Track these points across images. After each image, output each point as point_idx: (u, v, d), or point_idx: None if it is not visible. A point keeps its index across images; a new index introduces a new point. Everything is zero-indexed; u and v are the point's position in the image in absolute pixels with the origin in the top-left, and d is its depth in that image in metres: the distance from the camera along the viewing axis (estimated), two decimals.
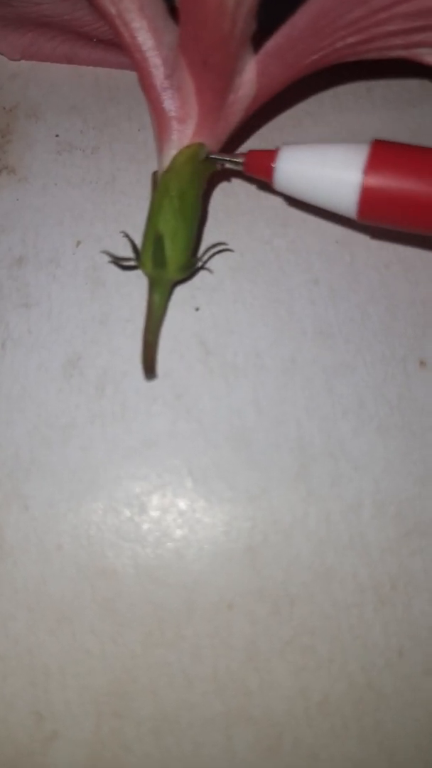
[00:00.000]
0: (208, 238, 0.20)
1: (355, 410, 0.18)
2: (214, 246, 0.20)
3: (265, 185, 0.19)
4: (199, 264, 0.19)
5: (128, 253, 0.19)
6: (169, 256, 0.18)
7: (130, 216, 0.20)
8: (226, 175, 0.21)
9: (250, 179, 0.21)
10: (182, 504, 0.18)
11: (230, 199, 0.21)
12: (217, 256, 0.20)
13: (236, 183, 0.21)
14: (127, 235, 0.19)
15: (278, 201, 0.21)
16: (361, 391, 0.19)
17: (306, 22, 0.17)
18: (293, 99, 0.22)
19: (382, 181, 0.17)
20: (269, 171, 0.18)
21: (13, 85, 0.23)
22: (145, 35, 0.17)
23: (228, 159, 0.19)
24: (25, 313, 0.19)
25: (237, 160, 0.19)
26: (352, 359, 0.19)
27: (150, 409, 0.18)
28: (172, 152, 0.18)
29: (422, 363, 0.19)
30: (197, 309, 0.19)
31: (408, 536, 0.18)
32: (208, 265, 0.20)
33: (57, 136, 0.22)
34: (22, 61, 0.23)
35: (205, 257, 0.19)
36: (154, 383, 0.19)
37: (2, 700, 0.17)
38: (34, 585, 0.17)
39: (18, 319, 0.19)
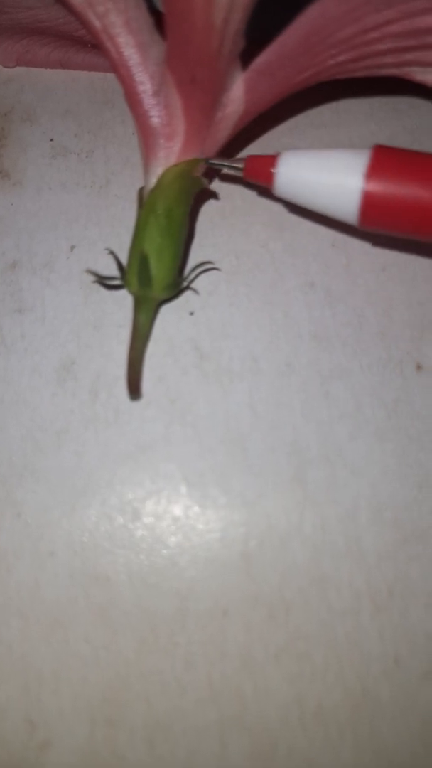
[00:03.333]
0: (203, 241, 0.20)
1: (352, 414, 0.18)
2: (200, 265, 0.19)
3: (265, 191, 0.19)
4: (185, 283, 0.19)
5: (122, 256, 0.19)
6: (155, 275, 0.18)
7: (124, 220, 0.20)
8: (214, 193, 0.21)
9: (249, 185, 0.20)
10: (176, 510, 0.18)
11: (225, 202, 0.21)
12: (211, 258, 0.20)
13: (231, 185, 0.21)
14: (112, 253, 0.19)
15: (274, 204, 0.21)
16: (358, 395, 0.18)
17: (296, 40, 0.17)
18: (289, 110, 0.22)
19: (383, 186, 0.17)
20: (269, 176, 0.18)
21: (7, 89, 0.23)
22: (131, 50, 0.17)
23: (227, 164, 0.19)
24: (18, 318, 0.19)
25: (237, 165, 0.18)
26: (349, 363, 0.19)
27: (144, 413, 0.18)
28: (158, 170, 0.18)
29: (419, 366, 0.19)
30: (192, 313, 0.19)
31: (405, 542, 0.17)
32: (193, 285, 0.19)
33: (51, 140, 0.22)
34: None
35: (192, 276, 0.19)
36: (148, 388, 0.18)
37: None
38: (28, 592, 0.17)
39: (11, 323, 0.19)
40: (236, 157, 0.19)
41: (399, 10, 0.16)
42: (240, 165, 0.18)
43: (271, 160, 0.18)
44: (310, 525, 0.18)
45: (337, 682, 0.17)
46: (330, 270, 0.20)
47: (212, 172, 0.20)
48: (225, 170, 0.19)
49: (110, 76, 0.23)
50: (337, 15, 0.16)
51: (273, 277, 0.20)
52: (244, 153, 0.21)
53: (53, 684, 0.17)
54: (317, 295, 0.20)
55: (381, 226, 0.18)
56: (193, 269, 0.19)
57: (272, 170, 0.18)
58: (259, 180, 0.18)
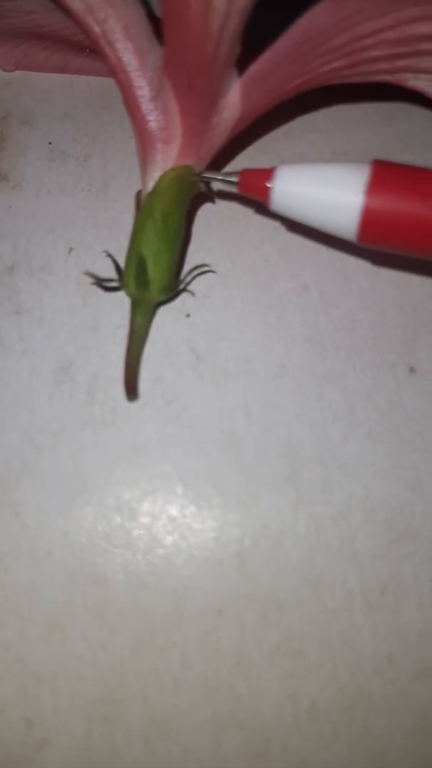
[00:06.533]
0: (199, 244, 0.20)
1: (345, 416, 0.19)
2: (197, 267, 0.20)
3: (261, 206, 0.18)
4: (182, 285, 0.19)
5: (120, 259, 0.19)
6: (152, 277, 0.18)
7: (122, 223, 0.21)
8: (210, 196, 0.21)
9: (243, 200, 0.20)
10: (172, 510, 0.18)
11: (220, 205, 0.21)
12: (207, 260, 0.20)
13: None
14: (110, 255, 0.19)
15: None
16: (351, 397, 0.19)
17: (290, 46, 0.17)
18: (283, 115, 0.22)
19: (384, 203, 0.16)
20: (265, 191, 0.17)
21: (5, 93, 0.23)
22: (130, 56, 0.17)
23: (221, 178, 0.18)
24: (16, 320, 0.19)
25: (231, 179, 0.18)
26: (342, 366, 0.19)
27: (140, 414, 0.18)
28: (156, 173, 0.18)
29: (412, 369, 0.19)
30: (188, 315, 0.20)
31: (397, 542, 0.18)
32: (189, 288, 0.20)
33: (50, 143, 0.22)
34: None
35: (188, 278, 0.19)
36: (144, 389, 0.19)
37: None
38: (25, 591, 0.17)
39: (9, 325, 0.19)
40: (230, 171, 0.18)
41: (392, 18, 0.16)
42: (234, 179, 0.18)
43: (266, 173, 0.17)
44: (304, 525, 0.18)
45: (330, 681, 0.17)
46: (324, 273, 0.20)
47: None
48: (218, 184, 0.18)
49: (108, 80, 0.23)
50: (330, 23, 0.16)
51: (267, 280, 0.20)
52: (239, 158, 0.22)
53: (50, 683, 0.17)
54: (311, 298, 0.20)
55: (380, 242, 0.17)
56: (189, 272, 0.19)
57: (268, 185, 0.17)
58: (254, 194, 0.18)
